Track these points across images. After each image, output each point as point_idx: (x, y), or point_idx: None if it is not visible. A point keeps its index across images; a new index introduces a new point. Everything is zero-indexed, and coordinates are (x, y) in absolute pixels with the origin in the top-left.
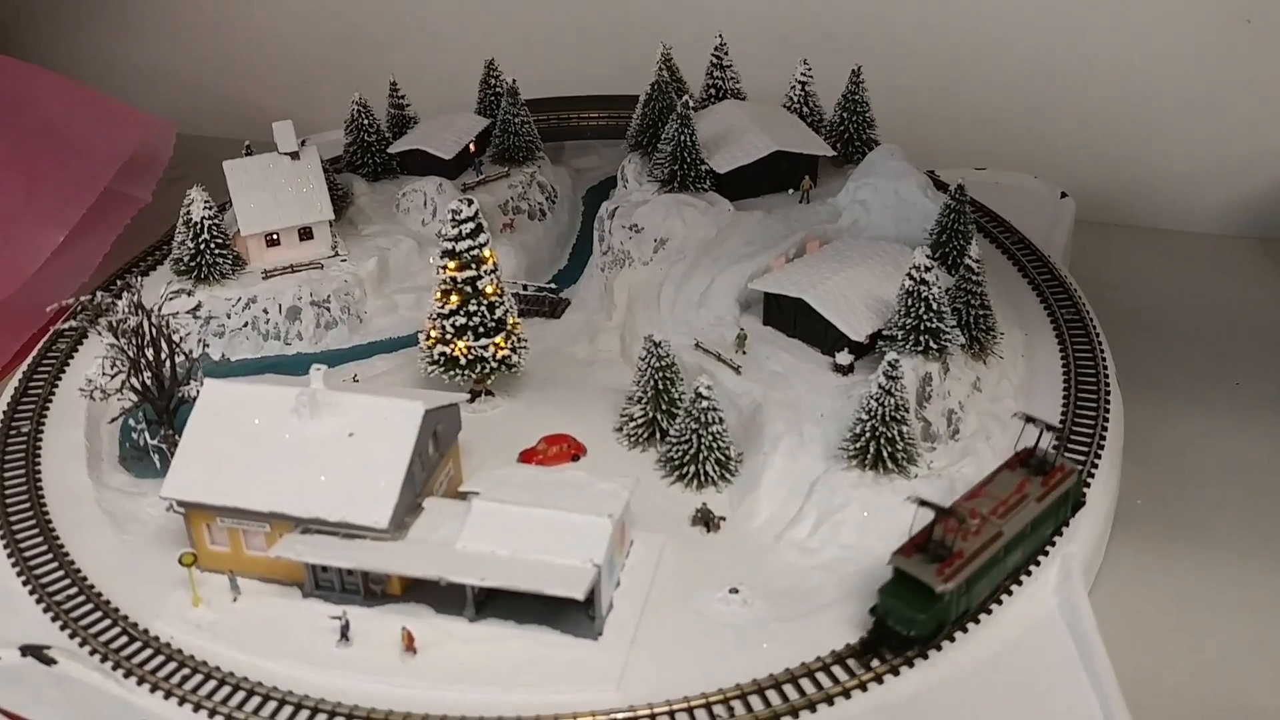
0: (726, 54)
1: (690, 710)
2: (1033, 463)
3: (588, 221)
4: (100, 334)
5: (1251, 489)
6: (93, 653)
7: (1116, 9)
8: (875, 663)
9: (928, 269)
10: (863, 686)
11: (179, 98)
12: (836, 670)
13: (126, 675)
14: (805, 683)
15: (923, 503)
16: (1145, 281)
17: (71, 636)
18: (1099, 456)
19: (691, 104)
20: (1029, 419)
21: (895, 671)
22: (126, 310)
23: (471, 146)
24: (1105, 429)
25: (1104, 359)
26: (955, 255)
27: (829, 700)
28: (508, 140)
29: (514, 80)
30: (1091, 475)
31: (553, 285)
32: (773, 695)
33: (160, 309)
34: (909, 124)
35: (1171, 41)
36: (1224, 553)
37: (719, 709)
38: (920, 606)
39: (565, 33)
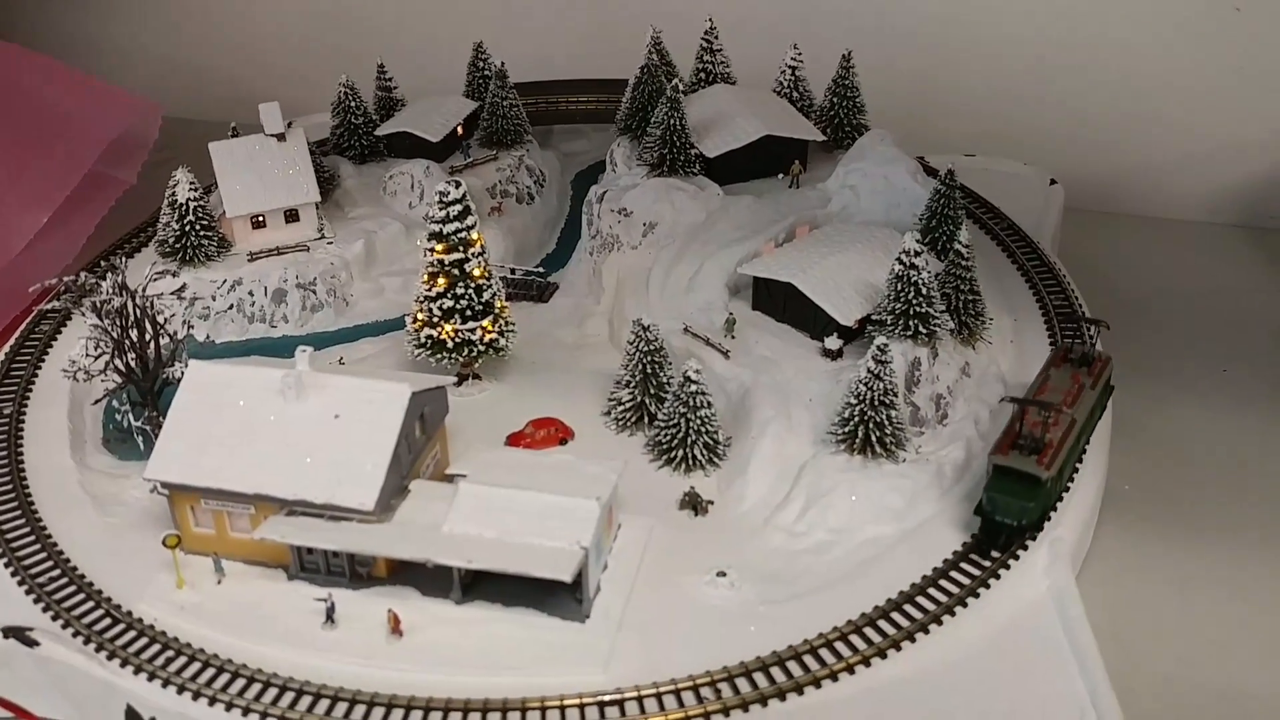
0: (716, 38)
1: (678, 693)
2: (1074, 357)
3: (576, 206)
4: (84, 315)
5: (1238, 474)
6: (76, 635)
7: None
8: (992, 558)
9: (917, 253)
10: (850, 670)
11: (165, 81)
12: (824, 653)
13: (110, 657)
14: (793, 665)
15: (1014, 400)
16: (1134, 268)
17: (54, 619)
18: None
19: (681, 88)
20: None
21: (883, 655)
22: (110, 291)
23: (459, 129)
24: None
25: (1093, 345)
26: (945, 240)
27: (816, 683)
28: (496, 123)
29: (502, 63)
30: (1080, 461)
31: (541, 269)
32: (760, 678)
33: (144, 290)
34: (899, 110)
35: (1161, 29)
36: (1211, 537)
37: (706, 691)
38: (1028, 495)
39: (554, 16)
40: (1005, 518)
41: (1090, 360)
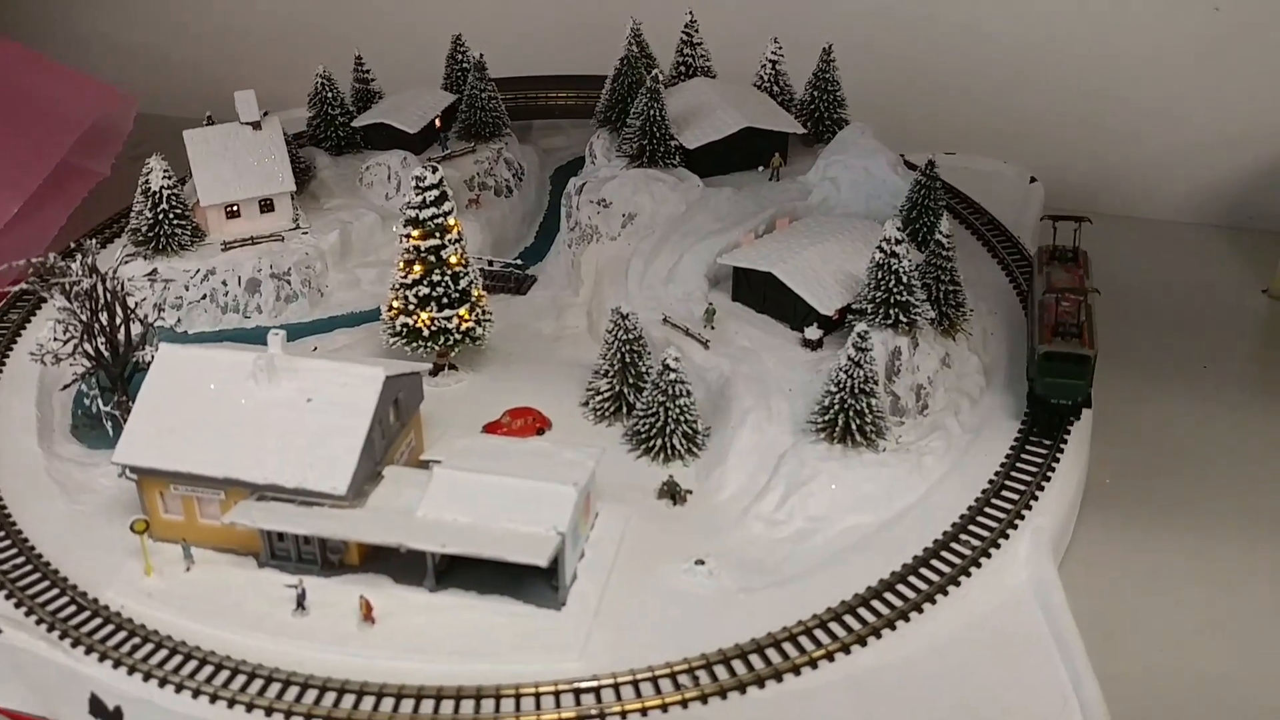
0: (697, 32)
1: (654, 680)
2: (1059, 255)
3: (555, 201)
4: (52, 298)
5: (1217, 468)
6: (39, 622)
7: None
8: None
9: (898, 241)
10: (830, 657)
11: (143, 77)
12: (804, 640)
13: (74, 644)
14: (772, 653)
15: (1050, 290)
16: (1114, 267)
17: (17, 606)
18: (1067, 436)
19: (661, 79)
20: (1055, 218)
21: (863, 642)
22: (79, 273)
23: (437, 122)
24: None
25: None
26: (925, 231)
27: (796, 670)
28: (474, 116)
29: (481, 55)
30: (1060, 454)
31: (519, 262)
32: (739, 665)
33: (114, 272)
34: (879, 108)
35: (1141, 30)
36: (1191, 529)
37: (684, 679)
38: (1079, 374)
39: (533, 10)
40: (1061, 398)
41: (1073, 256)
